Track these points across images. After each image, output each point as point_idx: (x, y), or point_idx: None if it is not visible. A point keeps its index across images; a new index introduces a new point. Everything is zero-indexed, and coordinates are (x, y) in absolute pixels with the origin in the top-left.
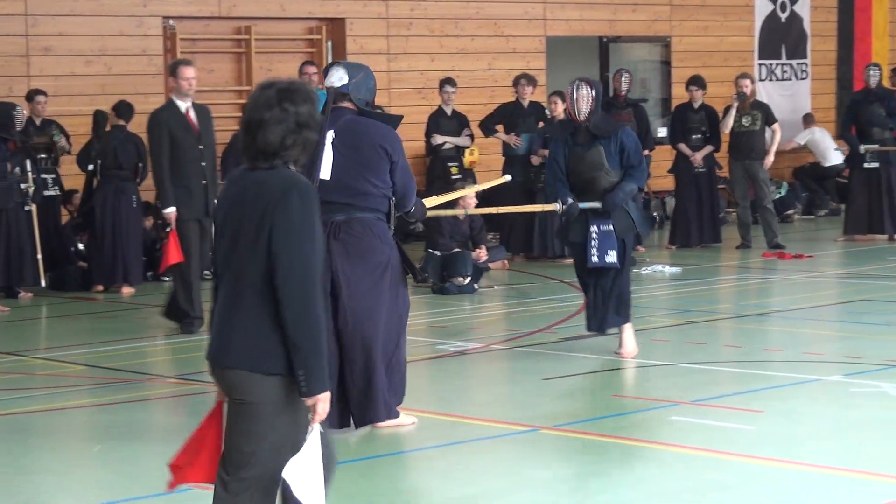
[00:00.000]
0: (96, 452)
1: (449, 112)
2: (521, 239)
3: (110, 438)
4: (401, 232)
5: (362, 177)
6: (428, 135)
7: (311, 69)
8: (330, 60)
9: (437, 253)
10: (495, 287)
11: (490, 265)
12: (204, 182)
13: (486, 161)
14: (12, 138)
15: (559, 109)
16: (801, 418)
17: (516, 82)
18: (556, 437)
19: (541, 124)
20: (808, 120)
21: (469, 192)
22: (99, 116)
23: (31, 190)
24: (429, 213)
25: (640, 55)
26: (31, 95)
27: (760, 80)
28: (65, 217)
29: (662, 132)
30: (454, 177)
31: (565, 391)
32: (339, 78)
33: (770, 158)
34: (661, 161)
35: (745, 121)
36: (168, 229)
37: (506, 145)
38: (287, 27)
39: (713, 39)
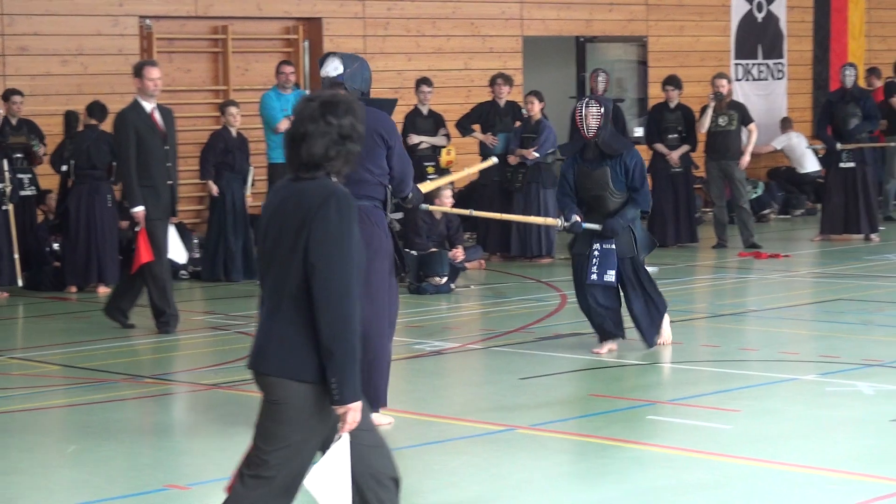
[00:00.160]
0: (72, 453)
1: (425, 112)
2: (497, 239)
3: (86, 439)
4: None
5: (359, 164)
6: (404, 134)
7: (288, 69)
8: (307, 61)
9: (413, 252)
10: (472, 287)
11: (467, 265)
12: (169, 182)
13: (463, 161)
14: None
15: (536, 109)
16: (778, 418)
17: (493, 82)
18: (532, 436)
19: (517, 123)
20: (785, 125)
21: (461, 176)
22: (70, 117)
23: (9, 190)
24: (443, 211)
25: (616, 55)
26: (6, 95)
27: (737, 79)
28: (40, 217)
29: (639, 132)
30: (430, 176)
31: (542, 391)
32: (334, 67)
33: (746, 158)
34: None
35: (722, 121)
36: (137, 228)
37: (482, 145)
38: (264, 27)
39: (689, 39)
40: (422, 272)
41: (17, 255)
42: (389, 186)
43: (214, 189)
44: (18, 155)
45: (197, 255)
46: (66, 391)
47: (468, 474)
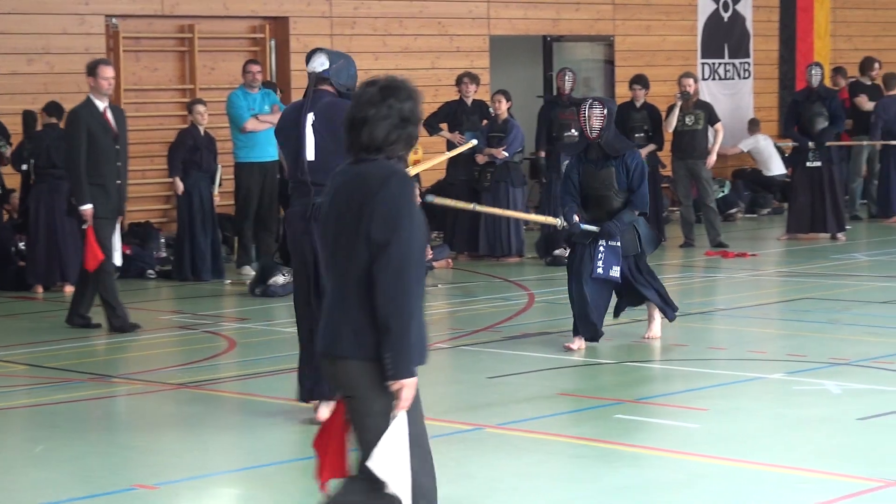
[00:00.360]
0: (39, 452)
1: None
2: (465, 237)
3: (53, 438)
4: None
5: (342, 158)
6: None
7: (255, 68)
8: (273, 59)
9: None
10: (439, 286)
11: (434, 264)
12: (118, 181)
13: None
14: None
15: (503, 108)
16: (745, 416)
17: (459, 80)
18: (500, 435)
19: (485, 122)
20: (753, 126)
21: (442, 160)
22: (28, 117)
23: None
24: (445, 204)
25: (583, 54)
26: None
27: (703, 79)
28: (5, 217)
29: None
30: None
31: (510, 390)
32: (320, 63)
33: (713, 158)
34: None
35: (689, 120)
36: (84, 226)
37: (450, 143)
38: (230, 26)
39: (656, 38)
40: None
41: None
42: None
43: (180, 187)
44: None
45: (164, 255)
46: (33, 391)
47: (437, 474)
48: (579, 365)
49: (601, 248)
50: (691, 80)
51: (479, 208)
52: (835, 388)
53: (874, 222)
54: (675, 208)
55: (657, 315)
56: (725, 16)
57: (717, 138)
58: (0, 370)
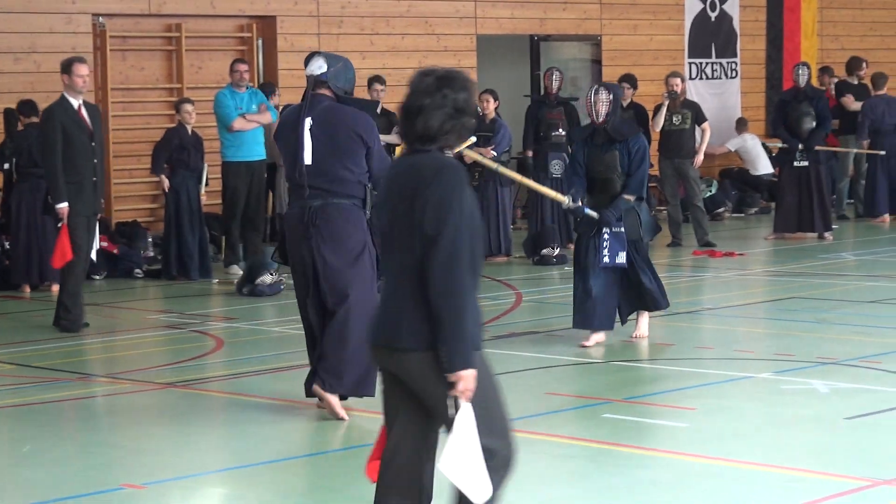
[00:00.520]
0: (26, 452)
1: (378, 110)
2: None
3: (40, 438)
4: None
5: (339, 162)
6: None
7: (243, 67)
8: (261, 59)
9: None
10: None
11: None
12: (94, 179)
13: None
14: None
15: (490, 108)
16: (733, 415)
17: None
18: None
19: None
20: (740, 126)
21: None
22: (10, 115)
23: None
24: (475, 157)
25: (570, 54)
26: None
27: (690, 78)
28: None
29: None
30: None
31: None
32: (318, 66)
33: (700, 157)
34: None
35: (676, 119)
36: (59, 224)
37: None
38: (218, 25)
39: (643, 38)
40: (379, 271)
41: None
42: (369, 185)
43: (166, 184)
44: None
45: (151, 254)
46: (19, 390)
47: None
48: (567, 364)
49: (605, 237)
50: (678, 80)
51: (501, 170)
52: (822, 388)
53: (861, 222)
54: (662, 208)
55: (645, 314)
56: (712, 15)
57: (705, 138)
58: None
